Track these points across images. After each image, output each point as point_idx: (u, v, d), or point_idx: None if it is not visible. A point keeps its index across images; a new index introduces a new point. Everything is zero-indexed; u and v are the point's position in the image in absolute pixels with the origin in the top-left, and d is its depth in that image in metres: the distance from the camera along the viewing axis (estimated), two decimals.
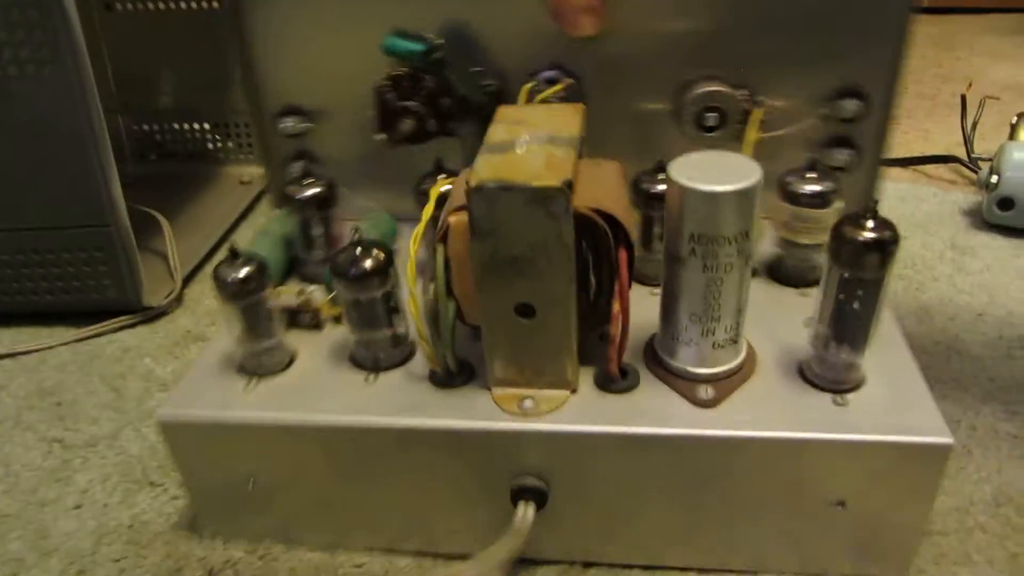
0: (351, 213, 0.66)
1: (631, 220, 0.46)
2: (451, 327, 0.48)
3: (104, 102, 0.68)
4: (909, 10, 0.55)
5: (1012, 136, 0.94)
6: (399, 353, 0.52)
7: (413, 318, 0.48)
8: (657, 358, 0.50)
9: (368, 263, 0.48)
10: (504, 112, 0.50)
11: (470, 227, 0.43)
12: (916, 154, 1.04)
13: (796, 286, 0.57)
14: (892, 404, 0.46)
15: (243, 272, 0.49)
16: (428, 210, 0.49)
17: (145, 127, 1.06)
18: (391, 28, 0.59)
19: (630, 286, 0.45)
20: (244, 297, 0.50)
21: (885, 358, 0.49)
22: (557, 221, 0.42)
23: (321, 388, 0.50)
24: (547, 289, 0.45)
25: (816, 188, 0.53)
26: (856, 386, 0.47)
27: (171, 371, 0.71)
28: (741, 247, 0.44)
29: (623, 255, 0.45)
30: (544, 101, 0.56)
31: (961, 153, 1.03)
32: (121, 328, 0.78)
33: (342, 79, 0.63)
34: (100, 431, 0.65)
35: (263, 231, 0.62)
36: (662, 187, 0.54)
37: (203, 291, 0.84)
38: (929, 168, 1.03)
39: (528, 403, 0.47)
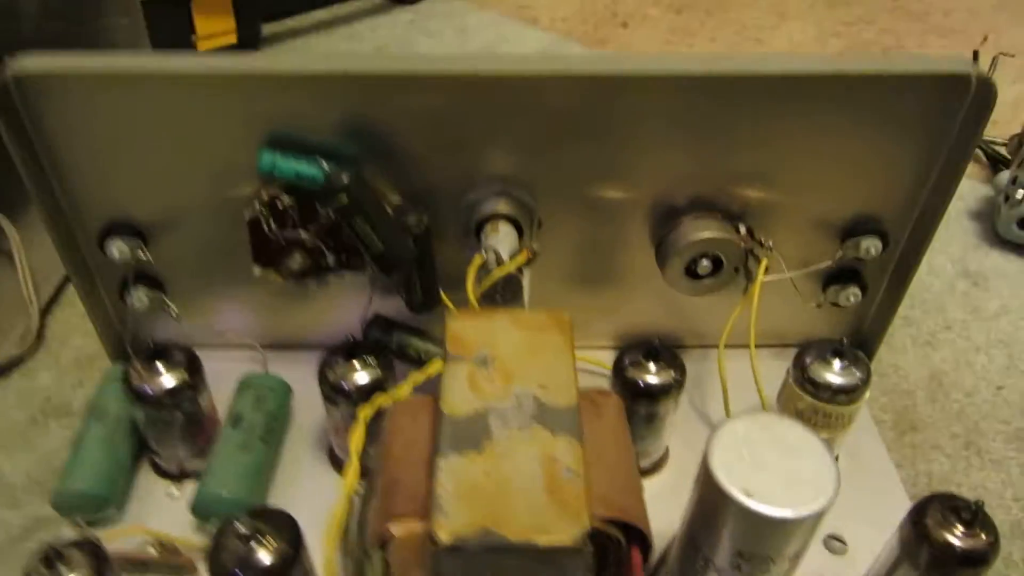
0: (216, 344, 0.49)
1: (643, 505, 0.33)
2: None
3: None
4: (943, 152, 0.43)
5: None
6: None
7: None
8: None
9: (265, 562, 0.33)
10: (458, 331, 0.34)
11: None
12: None
13: None
14: None
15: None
16: (352, 472, 0.34)
17: None
18: (267, 131, 0.41)
19: None
20: None
21: None
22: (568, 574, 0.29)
23: None
24: None
25: (843, 381, 0.42)
26: None
27: (23, 471, 0.51)
28: (799, 558, 0.32)
29: (637, 557, 0.32)
30: (497, 290, 0.40)
31: None
32: None
33: (193, 186, 0.44)
34: None
35: (96, 413, 0.44)
36: (653, 380, 0.41)
37: (69, 321, 0.63)
38: None
39: None
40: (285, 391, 0.46)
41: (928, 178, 0.44)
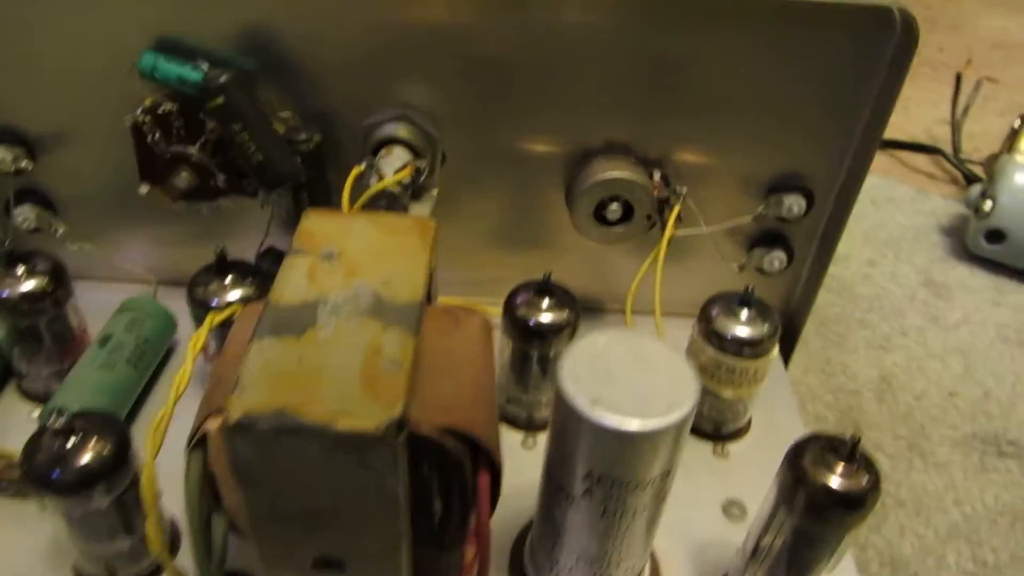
0: (106, 274, 0.47)
1: (496, 427, 0.31)
2: (220, 557, 0.31)
3: None
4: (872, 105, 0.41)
5: (1012, 146, 0.76)
6: (150, 560, 0.35)
7: (157, 554, 0.31)
8: None
9: (83, 462, 0.30)
10: (310, 227, 0.32)
11: (232, 471, 0.26)
12: (894, 130, 0.90)
13: (711, 440, 0.43)
14: None
15: None
16: (183, 376, 0.31)
17: None
18: (154, 35, 0.39)
19: (492, 512, 0.30)
20: None
21: None
22: (378, 473, 0.26)
23: None
24: (363, 542, 0.29)
25: (751, 333, 0.39)
26: None
27: None
28: (660, 488, 0.29)
29: (484, 482, 0.29)
30: (379, 197, 0.38)
31: (945, 136, 0.90)
32: None
33: (80, 91, 0.42)
34: None
35: None
36: (546, 318, 0.39)
37: None
38: (906, 154, 0.89)
39: None
40: (165, 320, 0.43)
41: (854, 131, 0.42)
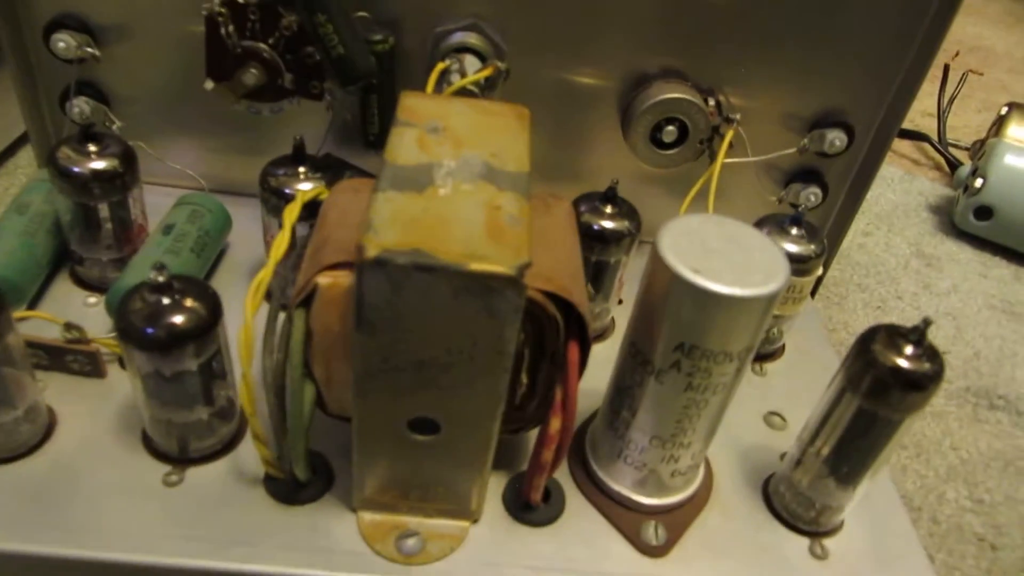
0: (156, 178, 0.47)
1: (587, 300, 0.32)
2: (306, 425, 0.31)
3: None
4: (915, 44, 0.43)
5: (998, 131, 0.81)
6: (219, 437, 0.35)
7: (246, 410, 0.31)
8: (591, 473, 0.36)
9: (177, 321, 0.31)
10: (411, 104, 0.33)
11: (356, 315, 0.27)
12: None
13: (754, 360, 0.45)
14: (878, 558, 0.36)
15: None
16: (283, 239, 0.32)
17: None
18: None
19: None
20: None
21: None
22: (499, 321, 0.27)
23: (92, 492, 0.33)
24: (463, 404, 0.30)
25: (800, 251, 0.41)
26: (836, 529, 0.37)
27: None
28: (742, 364, 0.31)
29: (574, 353, 0.30)
30: (462, 91, 0.39)
31: (931, 126, 0.94)
32: None
33: None
34: None
35: (17, 206, 0.42)
36: (611, 224, 0.40)
37: (7, 190, 0.61)
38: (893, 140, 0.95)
39: (412, 542, 0.33)
40: (223, 215, 0.44)
41: (901, 65, 0.44)
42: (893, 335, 0.32)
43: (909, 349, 0.31)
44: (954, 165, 0.90)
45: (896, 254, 0.78)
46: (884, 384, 0.31)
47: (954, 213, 0.79)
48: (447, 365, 0.28)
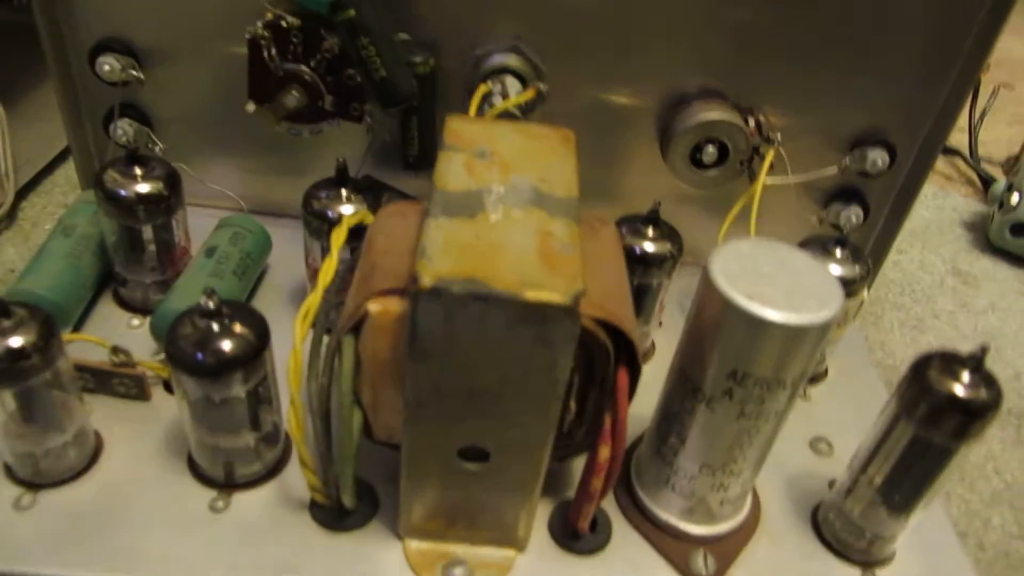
0: (195, 199, 0.47)
1: (636, 325, 0.31)
2: (354, 451, 0.31)
3: None
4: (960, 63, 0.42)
5: None
6: (264, 462, 0.35)
7: (293, 435, 0.31)
8: (637, 500, 0.36)
9: (225, 348, 0.31)
10: (457, 128, 0.33)
11: (409, 343, 0.27)
12: None
13: None
14: None
15: (14, 341, 0.30)
16: (330, 264, 0.32)
17: None
18: None
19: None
20: (14, 379, 0.31)
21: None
22: (553, 350, 0.27)
23: (139, 516, 0.33)
24: (514, 432, 0.29)
25: (844, 273, 0.40)
26: (887, 559, 0.36)
27: None
28: (795, 391, 0.30)
29: (624, 380, 0.30)
30: (504, 113, 0.39)
31: (962, 141, 0.93)
32: None
33: (198, 6, 0.42)
34: None
35: (63, 228, 0.42)
36: (653, 247, 0.40)
37: (45, 208, 0.62)
38: None
39: (459, 571, 0.33)
40: (264, 237, 0.44)
41: (943, 85, 0.43)
42: (949, 361, 0.31)
43: (966, 376, 0.30)
44: (986, 181, 0.89)
45: (931, 272, 0.77)
46: (940, 411, 0.31)
47: (989, 230, 0.78)
48: (499, 393, 0.28)
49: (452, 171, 0.30)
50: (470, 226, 0.27)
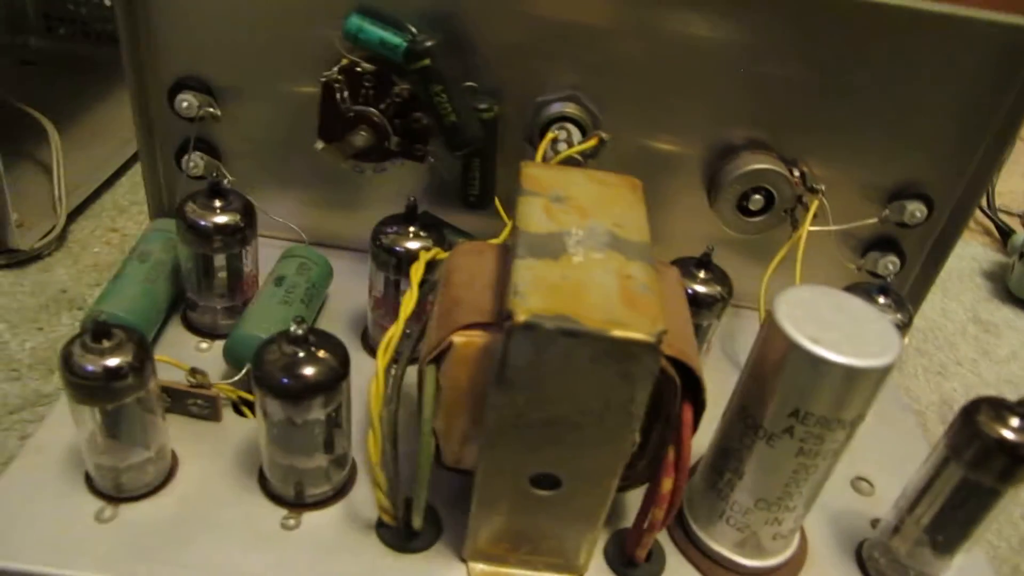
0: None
1: (701, 362, 0.33)
2: (428, 475, 0.33)
3: None
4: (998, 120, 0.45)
5: None
6: (333, 484, 0.37)
7: (372, 458, 0.33)
8: (689, 532, 0.37)
9: (310, 373, 0.32)
10: (534, 174, 0.35)
11: (498, 373, 0.28)
12: None
13: None
14: None
15: (112, 361, 0.32)
16: (411, 297, 0.34)
17: None
18: (358, 2, 0.42)
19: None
20: (110, 398, 0.32)
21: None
22: (632, 384, 0.28)
23: (214, 532, 0.34)
24: (587, 461, 0.31)
25: (889, 319, 0.42)
26: None
27: (29, 349, 0.51)
28: (852, 431, 0.32)
29: (689, 415, 0.32)
30: (569, 161, 0.41)
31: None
32: None
33: (273, 50, 0.45)
34: None
35: (139, 254, 0.44)
36: (704, 289, 0.42)
37: (93, 232, 0.63)
38: None
39: None
40: (327, 268, 0.46)
41: (981, 142, 0.45)
42: (998, 407, 0.33)
43: (1015, 421, 0.32)
44: (1004, 231, 0.91)
45: (953, 320, 0.79)
46: (989, 454, 0.32)
47: (1009, 280, 0.80)
48: (577, 424, 0.29)
49: (534, 214, 0.32)
50: (555, 267, 0.29)
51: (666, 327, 0.28)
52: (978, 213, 0.96)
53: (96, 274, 0.60)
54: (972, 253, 0.89)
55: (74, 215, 0.65)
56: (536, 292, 0.28)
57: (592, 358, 0.27)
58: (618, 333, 0.27)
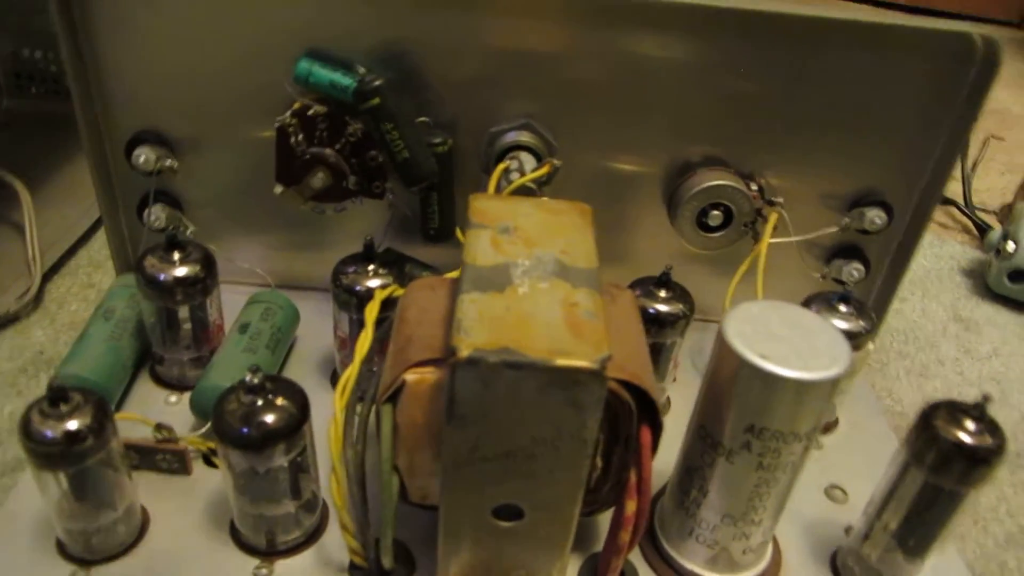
0: (224, 277, 0.49)
1: (656, 384, 0.33)
2: (392, 513, 0.33)
3: None
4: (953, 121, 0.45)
5: None
6: (304, 529, 0.37)
7: (335, 501, 0.33)
8: (661, 551, 0.37)
9: (270, 420, 0.33)
10: (481, 207, 0.35)
11: (447, 410, 0.29)
12: None
13: None
14: None
15: (72, 425, 0.32)
16: (366, 337, 0.34)
17: (33, 52, 0.78)
18: (307, 46, 0.43)
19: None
20: (71, 462, 0.32)
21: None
22: (582, 411, 0.28)
23: None
24: (547, 490, 0.31)
25: (850, 327, 0.42)
26: None
27: (8, 414, 0.51)
28: (809, 442, 0.32)
29: (647, 437, 0.32)
30: (522, 190, 0.41)
31: (956, 190, 0.96)
32: None
33: (227, 99, 0.45)
34: None
35: (103, 312, 0.44)
36: (666, 308, 0.42)
37: (70, 289, 0.64)
38: None
39: None
40: (293, 311, 0.46)
41: (934, 148, 0.46)
42: (954, 411, 0.33)
43: (970, 424, 0.32)
44: (982, 228, 0.92)
45: (933, 319, 0.79)
46: (948, 459, 0.32)
47: (988, 276, 0.80)
48: (532, 455, 0.30)
49: (480, 248, 0.32)
50: (500, 299, 0.29)
51: (611, 352, 0.28)
52: (956, 212, 0.96)
53: (73, 332, 0.60)
54: (951, 252, 0.90)
55: (50, 273, 0.65)
56: (480, 326, 0.28)
57: (539, 388, 0.28)
58: (561, 362, 0.27)
